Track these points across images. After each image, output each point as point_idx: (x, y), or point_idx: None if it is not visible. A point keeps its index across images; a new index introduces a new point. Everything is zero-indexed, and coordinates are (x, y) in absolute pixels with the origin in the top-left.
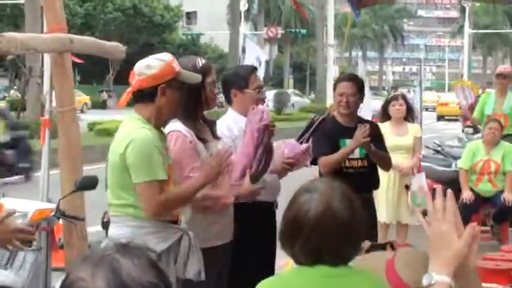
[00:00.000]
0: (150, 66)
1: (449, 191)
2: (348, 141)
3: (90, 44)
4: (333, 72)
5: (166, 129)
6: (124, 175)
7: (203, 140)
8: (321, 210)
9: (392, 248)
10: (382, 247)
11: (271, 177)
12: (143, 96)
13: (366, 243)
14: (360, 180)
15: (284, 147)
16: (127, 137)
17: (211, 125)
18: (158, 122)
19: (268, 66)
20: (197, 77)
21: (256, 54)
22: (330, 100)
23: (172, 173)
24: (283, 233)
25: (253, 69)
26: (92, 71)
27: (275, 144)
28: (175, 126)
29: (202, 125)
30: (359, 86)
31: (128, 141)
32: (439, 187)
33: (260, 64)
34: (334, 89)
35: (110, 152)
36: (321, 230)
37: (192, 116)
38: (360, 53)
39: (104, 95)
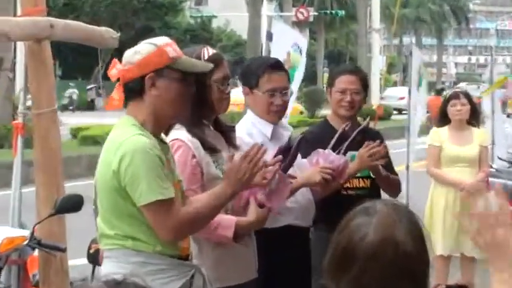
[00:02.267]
0: (137, 52)
1: (496, 186)
2: (348, 155)
3: (75, 30)
4: (379, 63)
5: (168, 138)
6: (118, 198)
7: (212, 150)
8: (380, 237)
9: None
10: None
11: (305, 197)
12: (131, 92)
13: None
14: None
15: (317, 157)
16: (119, 148)
17: (228, 131)
18: (156, 126)
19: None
20: (204, 65)
21: (292, 40)
22: (375, 99)
23: (179, 192)
24: (330, 263)
25: (270, 65)
26: (76, 64)
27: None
28: (178, 134)
29: (212, 132)
30: (364, 81)
31: (121, 154)
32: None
33: (301, 52)
34: (331, 84)
35: (98, 169)
36: (377, 263)
37: (195, 121)
38: (414, 40)
39: (92, 93)
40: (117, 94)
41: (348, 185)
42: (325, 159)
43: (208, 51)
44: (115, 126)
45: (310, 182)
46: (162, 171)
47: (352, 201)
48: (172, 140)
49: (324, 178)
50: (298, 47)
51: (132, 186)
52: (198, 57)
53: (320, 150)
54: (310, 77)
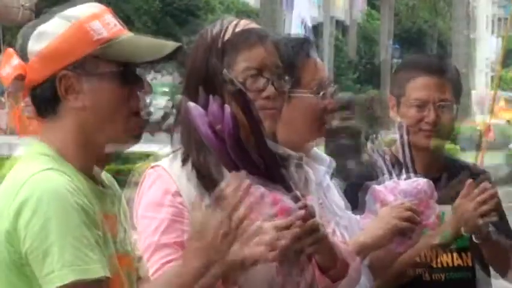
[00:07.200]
0: (41, 34)
1: None
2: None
3: None
4: (489, 49)
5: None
6: (15, 279)
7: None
8: None
9: None
10: None
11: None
12: (41, 103)
13: None
14: None
15: (380, 196)
16: (18, 194)
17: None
18: (85, 158)
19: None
20: (161, 46)
21: (302, 14)
22: (481, 113)
23: (125, 271)
24: None
25: (304, 42)
26: None
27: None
28: (164, 161)
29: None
30: (457, 85)
31: (19, 202)
32: None
33: (305, 28)
34: (400, 90)
35: None
36: None
37: (201, 142)
38: None
39: None
40: (32, 109)
41: (433, 263)
42: (394, 192)
43: (235, 25)
44: (19, 159)
45: (383, 235)
46: (88, 233)
47: None
48: (150, 167)
49: (407, 220)
50: (305, 22)
51: (36, 255)
52: (217, 39)
53: (376, 186)
54: (368, 73)
